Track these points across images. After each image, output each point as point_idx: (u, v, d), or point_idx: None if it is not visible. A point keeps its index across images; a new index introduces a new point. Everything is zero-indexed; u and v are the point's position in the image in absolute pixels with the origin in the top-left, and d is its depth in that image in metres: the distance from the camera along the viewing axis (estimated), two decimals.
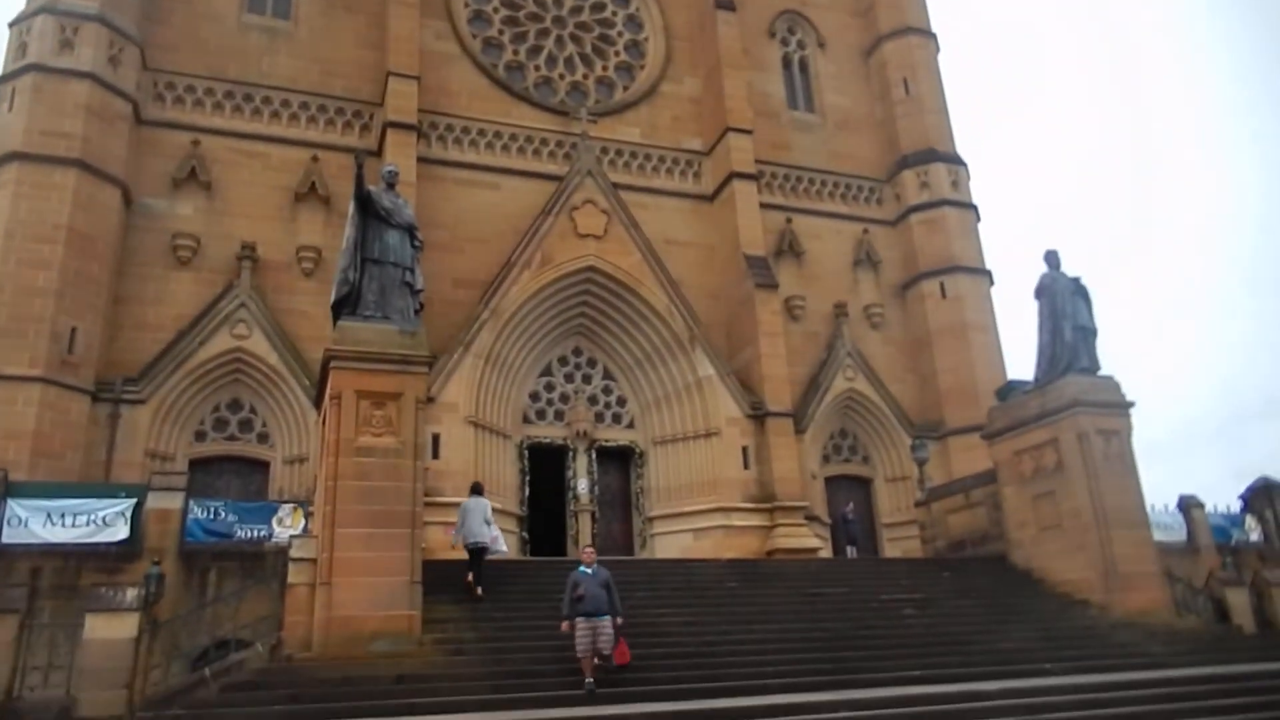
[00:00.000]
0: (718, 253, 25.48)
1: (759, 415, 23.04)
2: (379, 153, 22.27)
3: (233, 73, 22.79)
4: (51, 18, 20.51)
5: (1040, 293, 19.23)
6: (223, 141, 22.14)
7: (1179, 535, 20.66)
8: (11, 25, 20.90)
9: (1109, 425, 17.27)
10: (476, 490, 14.76)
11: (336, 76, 23.70)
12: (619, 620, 11.05)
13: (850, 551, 22.03)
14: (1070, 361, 18.29)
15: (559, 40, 26.61)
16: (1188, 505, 21.44)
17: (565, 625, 10.96)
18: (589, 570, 11.26)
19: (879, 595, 15.41)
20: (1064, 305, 18.75)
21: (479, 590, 13.52)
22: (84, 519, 14.20)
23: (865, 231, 27.95)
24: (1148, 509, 17.19)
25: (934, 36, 30.43)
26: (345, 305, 13.81)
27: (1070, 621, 15.10)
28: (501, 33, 26.02)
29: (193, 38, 22.82)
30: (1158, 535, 18.00)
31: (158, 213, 21.17)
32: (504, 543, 14.94)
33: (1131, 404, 17.59)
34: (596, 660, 10.69)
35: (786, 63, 29.53)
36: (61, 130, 19.77)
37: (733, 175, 25.28)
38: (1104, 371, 18.05)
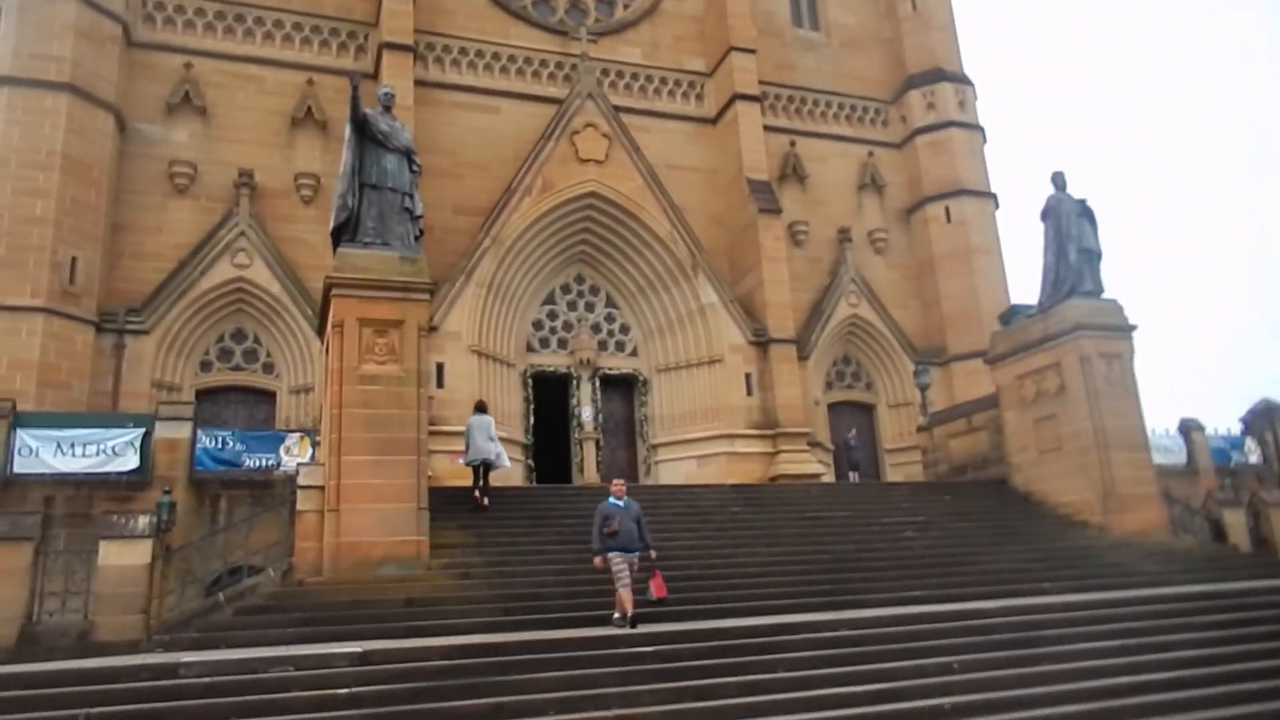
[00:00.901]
0: (720, 177, 25.14)
1: (762, 342, 23.04)
2: (375, 75, 21.81)
3: None
4: None
5: (1046, 215, 19.03)
6: (215, 64, 21.68)
7: (1179, 458, 20.87)
8: None
9: (1111, 349, 17.26)
10: (480, 408, 15.26)
11: None
12: (652, 554, 10.76)
13: (853, 477, 22.28)
14: (1074, 285, 18.18)
15: None
16: (1188, 428, 21.60)
17: (598, 560, 10.51)
18: (620, 503, 10.75)
19: (880, 519, 15.62)
20: (1069, 227, 18.55)
21: (485, 502, 14.06)
22: (94, 448, 14.34)
23: (870, 154, 27.52)
24: (1148, 432, 17.30)
25: None
26: (344, 232, 13.69)
27: (1068, 542, 15.33)
28: None
29: None
30: (1158, 458, 18.18)
31: (153, 139, 20.85)
32: (506, 458, 15.44)
33: (1134, 327, 17.56)
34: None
35: None
36: (50, 53, 19.32)
37: (736, 97, 24.79)
38: (1108, 294, 17.97)
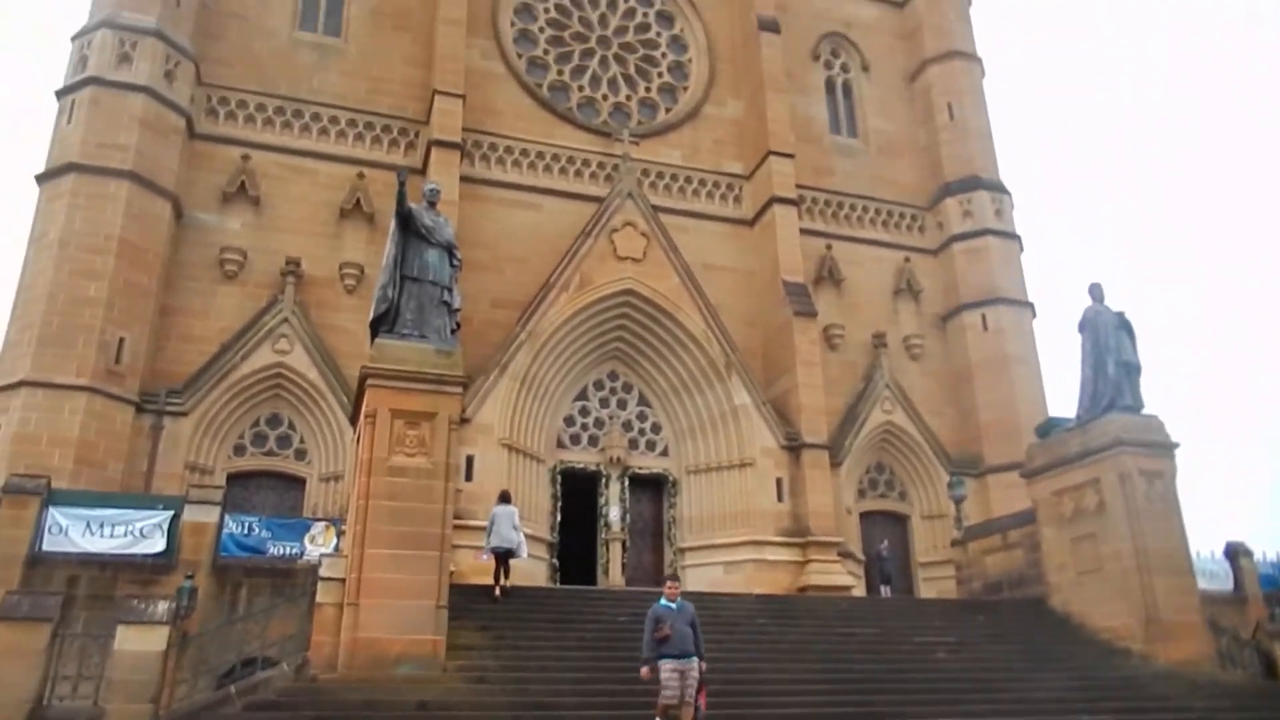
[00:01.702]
0: (756, 278, 25.35)
1: (794, 446, 22.81)
2: (423, 170, 22.49)
3: (284, 88, 23.19)
4: (111, 32, 21.03)
5: (1084, 326, 18.84)
6: (272, 157, 22.51)
7: (1225, 584, 20.02)
8: (74, 39, 21.46)
9: (1152, 466, 16.83)
10: (505, 498, 15.54)
11: (384, 94, 24.02)
12: (703, 665, 9.82)
13: (884, 590, 21.66)
14: (1113, 399, 17.87)
15: (603, 61, 26.76)
16: (1235, 552, 20.78)
17: (646, 670, 9.56)
18: (673, 605, 9.94)
19: (912, 638, 15.10)
20: (1108, 340, 18.34)
21: (505, 587, 14.40)
22: (122, 529, 14.39)
23: (906, 260, 27.65)
24: (1192, 555, 16.72)
25: (979, 61, 30.13)
26: (383, 323, 13.92)
27: (1110, 670, 14.68)
28: (546, 52, 26.22)
29: (246, 53, 23.28)
30: (1203, 583, 17.47)
31: (207, 226, 21.56)
32: (526, 549, 15.63)
33: (1176, 445, 17.15)
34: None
35: (830, 86, 29.39)
36: (116, 142, 20.23)
37: (773, 200, 25.18)
38: (1148, 410, 17.62)
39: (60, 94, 20.94)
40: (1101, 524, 16.79)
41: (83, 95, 20.56)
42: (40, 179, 20.19)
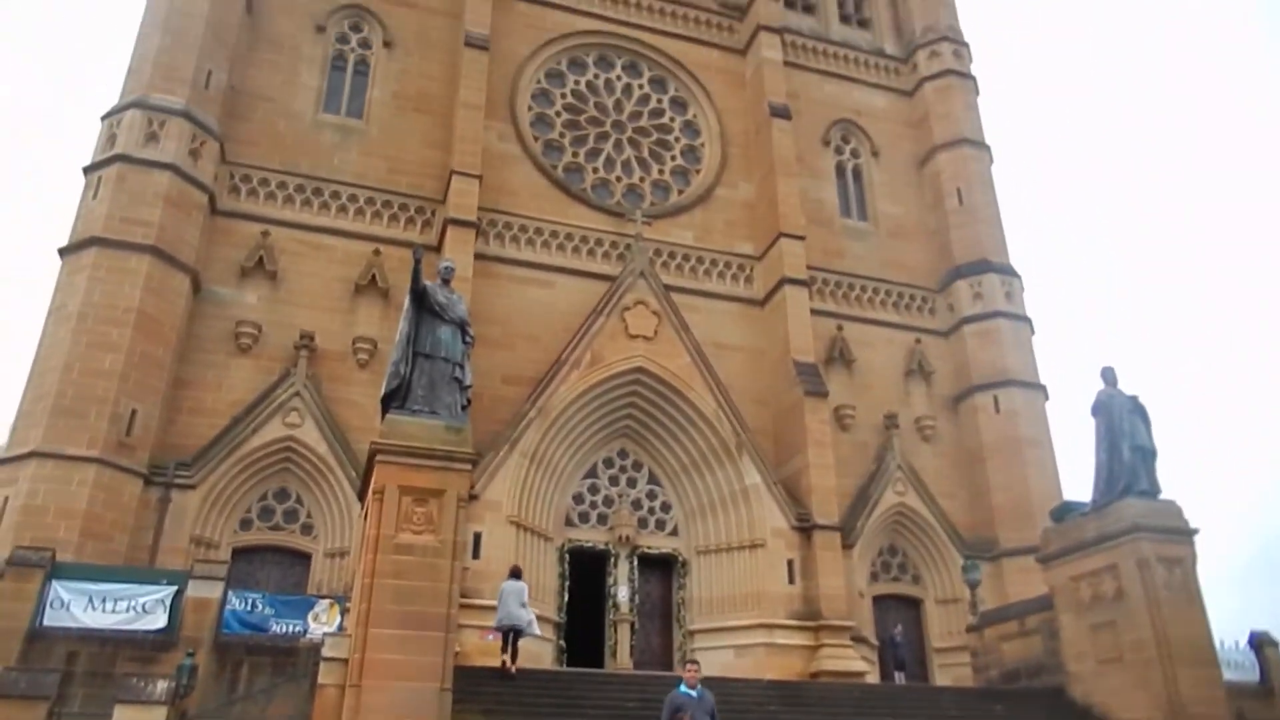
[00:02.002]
0: (767, 358, 25.41)
1: (806, 528, 22.54)
2: (439, 248, 22.83)
3: (305, 167, 23.72)
4: (141, 112, 21.62)
5: (1097, 410, 18.73)
6: (291, 233, 22.90)
7: (1251, 674, 19.44)
8: (104, 118, 22.06)
9: (1171, 553, 16.49)
10: (515, 574, 15.29)
11: (403, 173, 24.53)
12: None
13: (898, 677, 21.12)
14: (1129, 483, 17.64)
15: (617, 144, 27.34)
16: (1260, 642, 20.20)
17: None
18: (692, 692, 9.65)
19: None
20: (1121, 424, 18.20)
21: (513, 669, 14.04)
22: (124, 605, 14.25)
23: (917, 341, 27.70)
24: (1217, 644, 16.25)
25: (988, 148, 30.63)
26: (394, 398, 13.95)
27: None
28: (562, 135, 26.84)
29: (270, 133, 23.88)
30: (1228, 673, 16.96)
31: (224, 300, 21.83)
32: (538, 626, 15.49)
33: (1195, 531, 16.84)
34: None
35: (840, 170, 29.90)
36: (140, 218, 20.60)
37: (784, 281, 25.40)
38: (1165, 495, 17.38)
39: (88, 170, 21.44)
40: (1121, 611, 16.39)
41: (109, 172, 21.04)
42: (63, 252, 20.54)
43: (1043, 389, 27.37)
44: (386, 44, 25.79)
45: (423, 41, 26.07)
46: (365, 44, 25.77)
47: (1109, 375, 18.90)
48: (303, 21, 25.24)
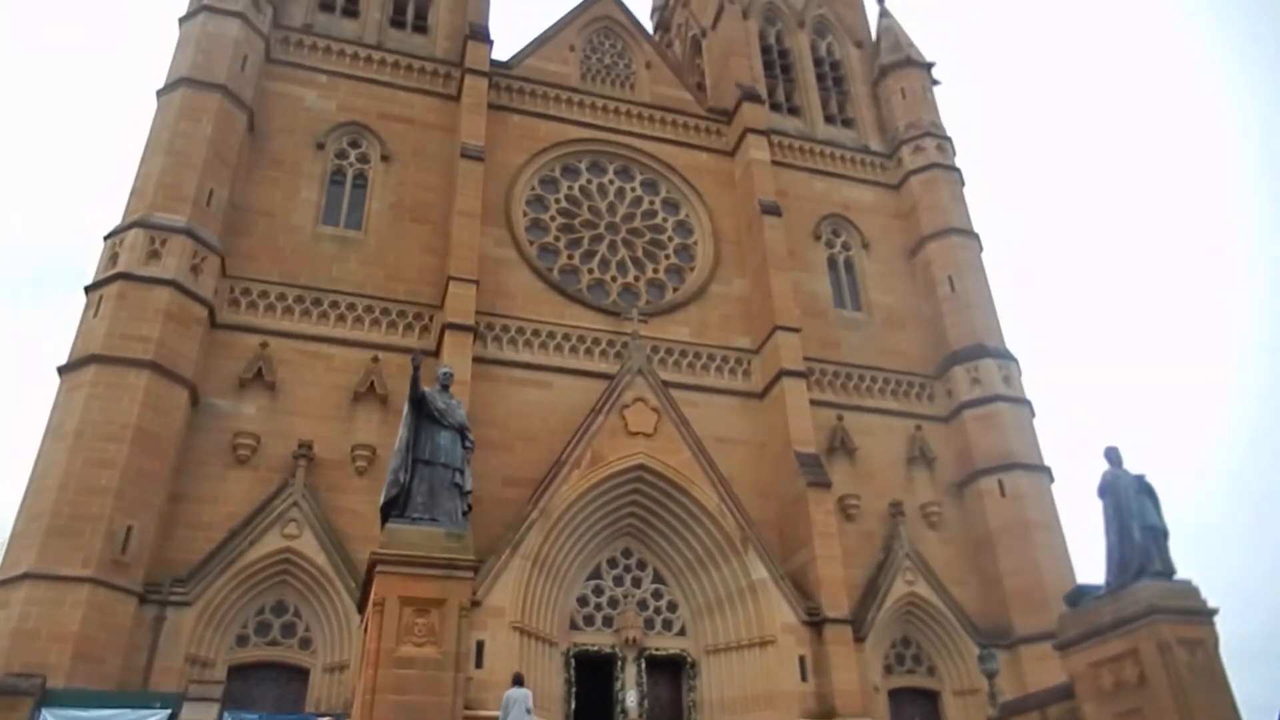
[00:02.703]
0: (768, 450, 25.29)
1: (816, 622, 22.04)
2: (437, 353, 22.97)
3: (304, 279, 24.04)
4: (143, 231, 22.00)
5: (1103, 492, 18.54)
6: (289, 343, 23.05)
7: None
8: (106, 238, 22.43)
9: (1192, 635, 16.05)
10: (518, 681, 15.06)
11: (400, 281, 24.87)
12: None
13: None
14: (1142, 564, 17.32)
15: (612, 245, 27.83)
16: None
17: None
18: None
19: None
20: (1129, 504, 18.00)
21: None
22: None
23: (918, 428, 27.62)
24: None
25: (976, 236, 31.11)
26: (394, 507, 13.83)
27: None
28: (557, 239, 27.34)
29: (271, 247, 24.29)
30: None
31: (222, 412, 21.82)
32: None
33: (1214, 611, 16.44)
34: None
35: (832, 263, 30.32)
36: (140, 334, 20.73)
37: (782, 373, 25.48)
38: (1180, 575, 17.06)
39: (89, 289, 21.69)
40: (1145, 698, 15.84)
41: (111, 289, 21.28)
42: (62, 370, 20.62)
43: (1047, 471, 27.16)
44: (384, 158, 26.50)
45: (420, 154, 26.80)
46: (364, 158, 26.47)
47: (1113, 455, 18.76)
48: (303, 139, 25.98)
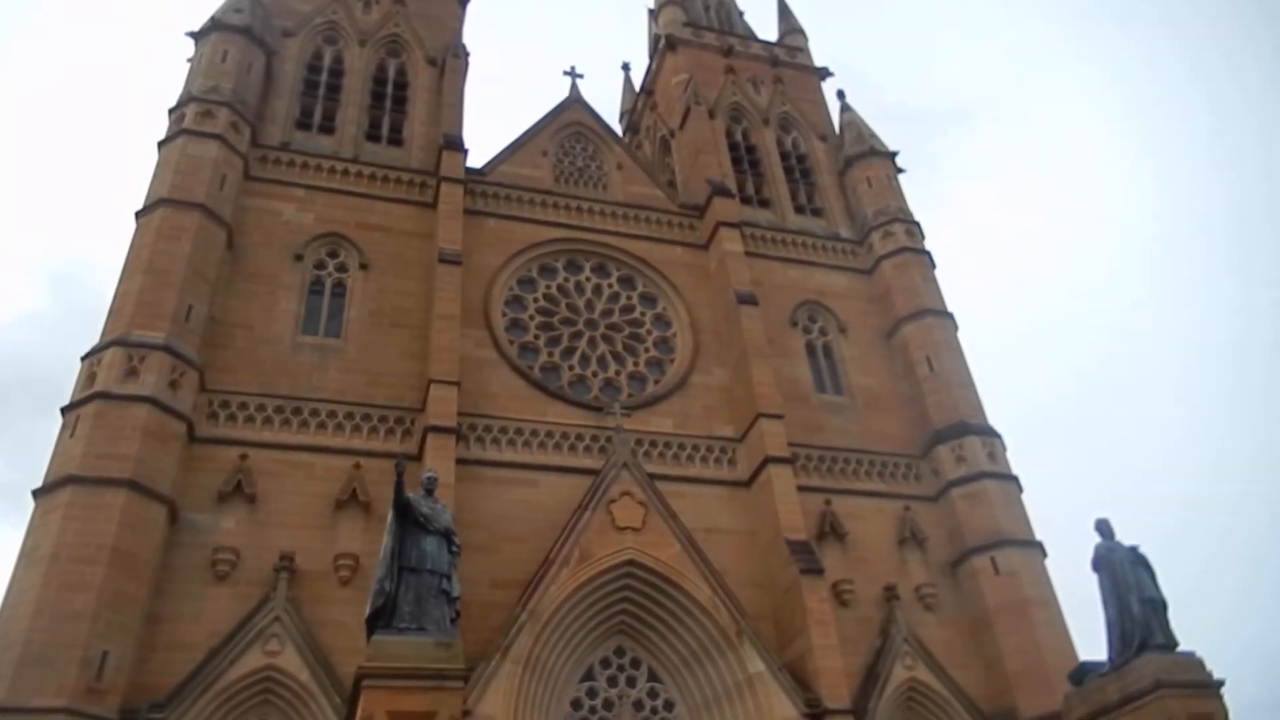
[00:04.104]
0: (759, 539, 25.04)
1: (817, 713, 21.43)
2: (419, 456, 22.80)
3: (284, 389, 23.95)
4: (121, 349, 21.92)
5: (1098, 565, 18.51)
6: (269, 454, 22.81)
7: None
8: (83, 358, 22.35)
9: (1201, 709, 15.89)
10: None
11: (381, 386, 24.83)
12: None
13: None
14: (1145, 638, 17.22)
15: (591, 341, 28.04)
16: None
17: None
18: None
19: None
20: (1125, 576, 17.98)
21: None
22: None
23: (907, 509, 27.47)
24: None
25: (950, 316, 31.51)
26: (380, 617, 13.59)
27: None
28: (537, 337, 27.54)
29: (250, 358, 24.25)
30: None
31: (201, 527, 21.40)
32: None
33: (1221, 682, 16.27)
34: None
35: (811, 349, 30.60)
36: (117, 452, 20.44)
37: (767, 460, 25.41)
38: (1183, 646, 16.87)
39: (65, 410, 21.49)
40: None
41: (88, 409, 21.07)
42: (37, 494, 20.23)
43: (1039, 546, 26.96)
44: (363, 266, 26.80)
45: (398, 261, 27.13)
46: (342, 268, 26.76)
47: (1104, 527, 18.75)
48: (281, 252, 26.28)
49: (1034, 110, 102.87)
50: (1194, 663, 16.55)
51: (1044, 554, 26.93)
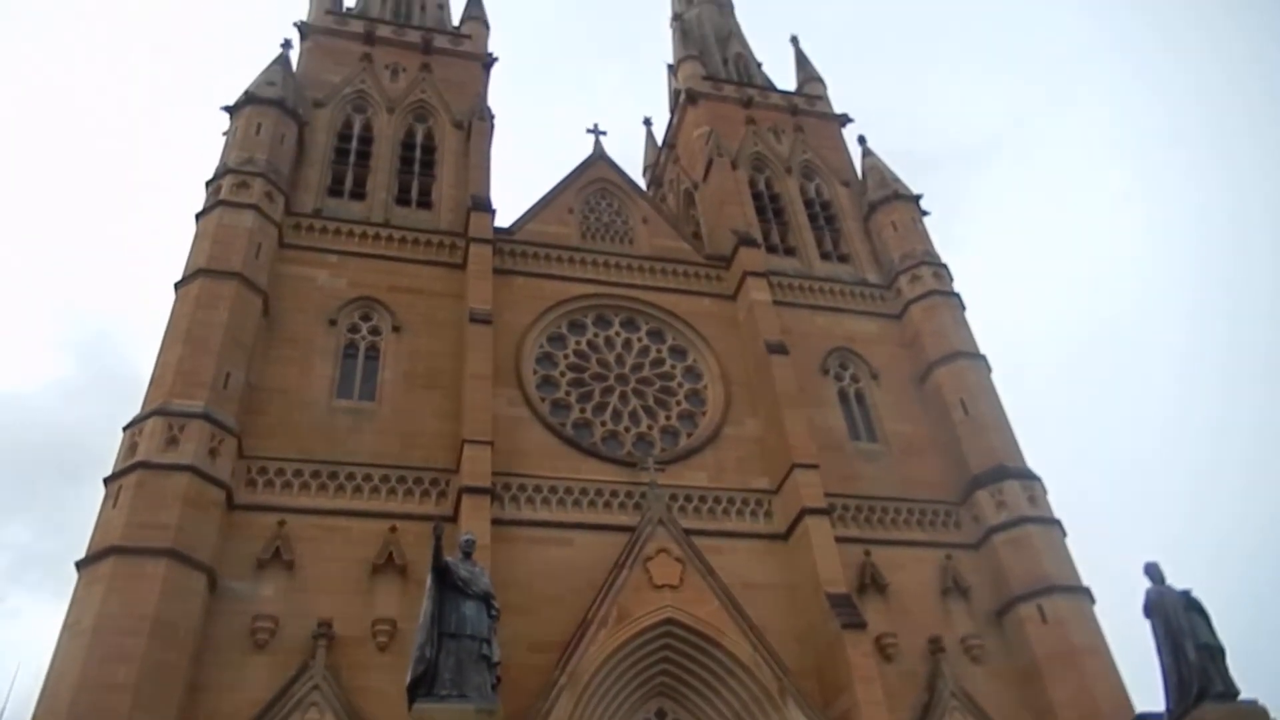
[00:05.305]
0: (799, 593, 24.64)
1: None
2: (455, 517, 22.80)
3: (321, 453, 24.13)
4: (162, 419, 22.26)
5: (1150, 611, 18.00)
6: (307, 519, 22.91)
7: None
8: (125, 428, 22.70)
9: None
10: None
11: (416, 448, 24.94)
12: None
13: None
14: (1203, 686, 16.67)
15: (623, 395, 28.07)
16: None
17: None
18: None
19: None
20: (1180, 623, 17.46)
21: None
22: None
23: (948, 557, 26.96)
24: None
25: (983, 358, 31.17)
26: (421, 684, 13.50)
27: None
28: (568, 394, 27.62)
29: (287, 423, 24.51)
30: None
31: (240, 595, 21.47)
32: None
33: None
34: None
35: (843, 396, 30.38)
36: (158, 522, 20.63)
37: (804, 512, 25.11)
38: (1246, 694, 16.31)
39: (108, 481, 21.77)
40: None
41: (130, 479, 21.33)
42: (80, 565, 20.42)
43: (1087, 592, 26.26)
44: (395, 328, 27.13)
45: (430, 322, 27.44)
46: (375, 331, 27.11)
47: (1154, 571, 18.26)
48: (316, 317, 26.69)
49: (1043, 149, 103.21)
50: (1257, 711, 16.00)
51: (1092, 600, 26.23)
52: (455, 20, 38.76)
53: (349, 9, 37.22)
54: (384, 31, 35.77)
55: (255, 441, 23.80)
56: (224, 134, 29.50)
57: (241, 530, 22.36)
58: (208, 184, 27.74)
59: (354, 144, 31.94)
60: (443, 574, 14.35)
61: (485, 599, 14.53)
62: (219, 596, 21.23)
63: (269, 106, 29.39)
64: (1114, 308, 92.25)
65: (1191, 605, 17.73)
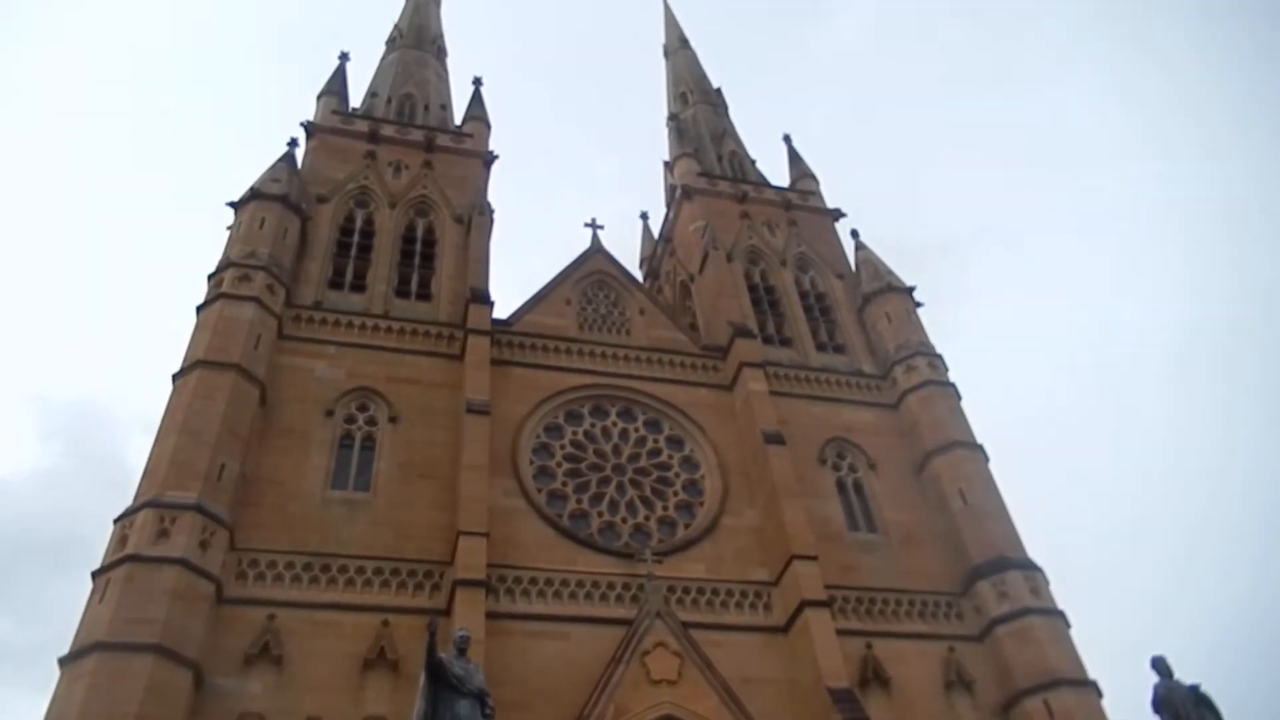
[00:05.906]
0: (799, 687, 24.05)
1: None
2: (448, 610, 22.42)
3: (313, 544, 23.81)
4: (154, 511, 22.02)
5: (1159, 706, 17.68)
6: (297, 613, 22.46)
7: None
8: (116, 520, 22.43)
9: None
10: None
11: (410, 539, 24.66)
12: None
13: None
14: None
15: (620, 486, 27.92)
16: None
17: None
18: None
19: None
20: (1189, 717, 17.11)
21: None
22: None
23: (951, 650, 26.41)
24: None
25: (980, 448, 31.16)
26: None
27: None
28: (565, 484, 27.47)
29: (280, 515, 24.26)
30: None
31: (227, 692, 20.91)
32: None
33: None
34: None
35: (841, 486, 30.23)
36: (145, 616, 20.22)
37: (804, 604, 24.71)
38: None
39: (96, 574, 21.43)
40: None
41: (118, 573, 20.99)
42: (63, 661, 19.95)
43: (1094, 685, 25.65)
44: (392, 419, 27.13)
45: (426, 413, 27.46)
46: (371, 421, 27.10)
47: (1161, 666, 17.99)
48: (312, 408, 26.72)
49: (1028, 237, 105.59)
50: None
51: (1099, 693, 25.63)
52: (457, 119, 39.97)
53: (354, 109, 38.42)
54: (388, 130, 36.87)
55: (247, 533, 23.54)
56: (228, 228, 30.09)
57: (230, 624, 21.91)
58: (210, 277, 28.14)
59: (356, 237, 32.54)
60: (436, 672, 14.08)
61: (480, 697, 14.25)
62: (205, 694, 20.67)
63: (273, 202, 30.04)
64: (1102, 382, 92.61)
65: (1200, 700, 17.43)
